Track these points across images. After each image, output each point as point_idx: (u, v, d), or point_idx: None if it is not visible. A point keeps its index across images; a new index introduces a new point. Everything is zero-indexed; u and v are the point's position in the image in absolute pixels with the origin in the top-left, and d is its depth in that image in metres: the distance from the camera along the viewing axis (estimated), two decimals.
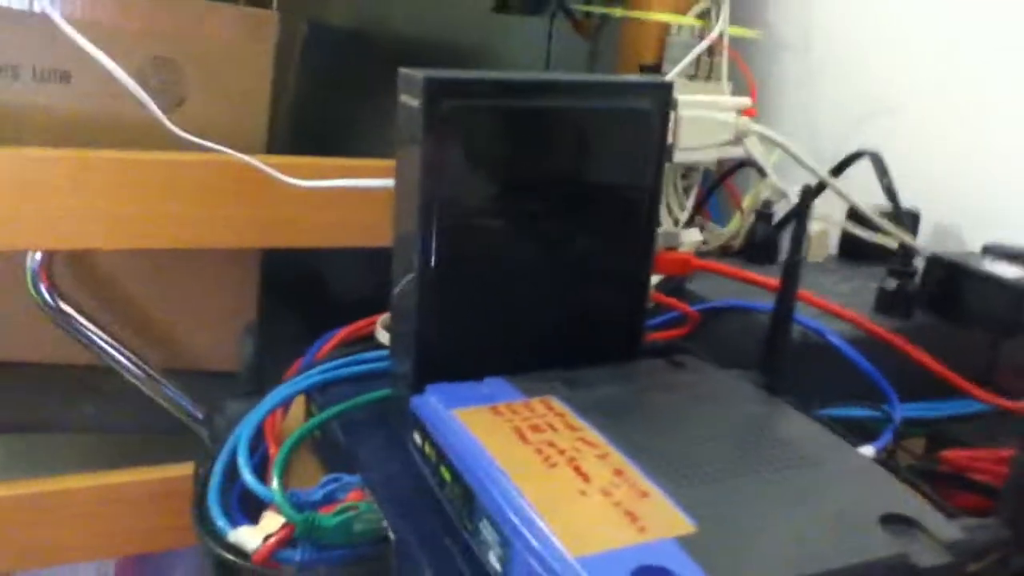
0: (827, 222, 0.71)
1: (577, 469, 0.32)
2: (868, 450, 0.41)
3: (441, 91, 0.38)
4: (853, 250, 0.71)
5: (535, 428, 0.35)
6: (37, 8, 0.66)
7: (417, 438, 0.37)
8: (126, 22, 0.70)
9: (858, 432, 0.48)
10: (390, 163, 0.42)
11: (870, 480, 0.33)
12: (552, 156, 0.42)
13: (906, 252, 0.59)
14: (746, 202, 0.73)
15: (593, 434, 0.34)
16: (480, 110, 0.39)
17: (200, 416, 0.73)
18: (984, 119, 0.71)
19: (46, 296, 0.73)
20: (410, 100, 0.39)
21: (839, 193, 0.58)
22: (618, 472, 0.32)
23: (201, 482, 0.41)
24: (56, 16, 0.53)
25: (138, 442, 0.73)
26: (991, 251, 0.61)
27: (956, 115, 0.73)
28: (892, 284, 0.57)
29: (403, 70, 0.39)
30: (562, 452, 0.33)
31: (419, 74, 0.38)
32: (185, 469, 0.47)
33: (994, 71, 0.70)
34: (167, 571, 0.84)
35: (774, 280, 0.45)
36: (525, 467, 0.32)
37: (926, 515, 0.31)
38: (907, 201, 0.64)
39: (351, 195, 0.63)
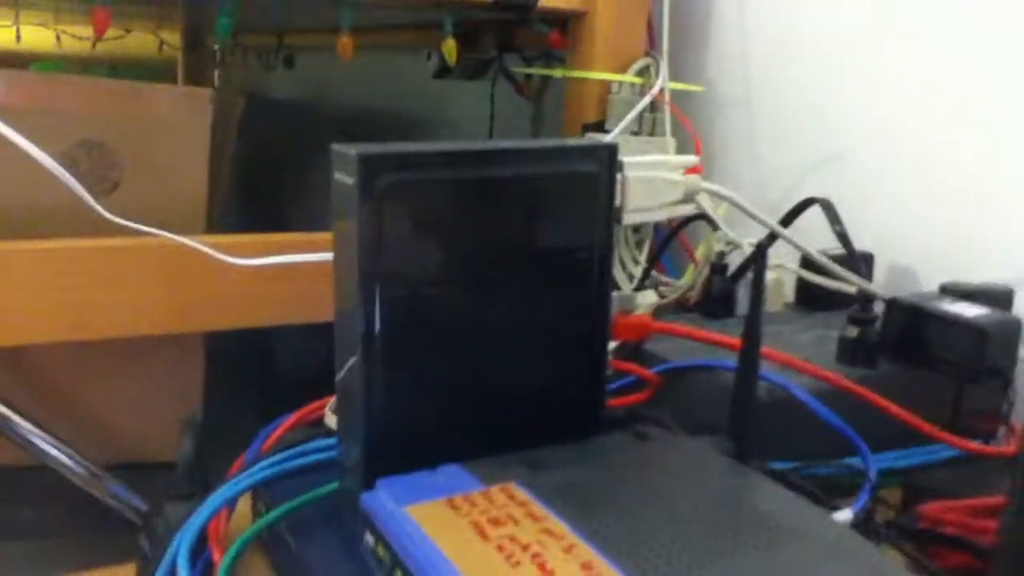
0: (782, 270, 0.70)
1: (542, 567, 0.29)
2: (846, 513, 0.40)
3: (376, 167, 0.36)
4: (809, 297, 0.70)
5: (495, 522, 0.32)
6: None
7: (369, 539, 0.34)
8: (53, 105, 0.68)
9: (832, 487, 0.47)
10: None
11: (851, 554, 0.32)
12: (497, 225, 0.40)
13: (865, 298, 0.58)
14: (699, 253, 0.72)
15: (558, 524, 0.32)
16: (418, 184, 0.37)
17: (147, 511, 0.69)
18: (929, 161, 0.71)
19: None
20: (344, 178, 0.37)
21: (793, 244, 0.57)
22: (586, 566, 0.29)
23: None
24: None
25: (81, 544, 0.69)
26: (949, 291, 0.61)
27: (900, 160, 0.73)
28: (853, 332, 0.56)
29: (336, 146, 0.37)
30: (525, 548, 0.30)
31: (352, 150, 0.36)
32: (130, 571, 0.44)
33: (930, 114, 0.71)
34: None
35: (735, 340, 0.44)
36: (485, 569, 0.29)
37: None
38: (859, 244, 0.64)
39: (295, 270, 0.61)
